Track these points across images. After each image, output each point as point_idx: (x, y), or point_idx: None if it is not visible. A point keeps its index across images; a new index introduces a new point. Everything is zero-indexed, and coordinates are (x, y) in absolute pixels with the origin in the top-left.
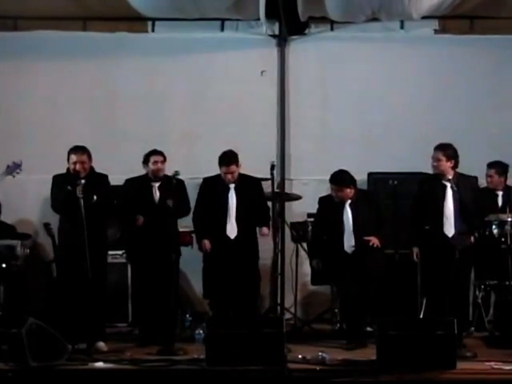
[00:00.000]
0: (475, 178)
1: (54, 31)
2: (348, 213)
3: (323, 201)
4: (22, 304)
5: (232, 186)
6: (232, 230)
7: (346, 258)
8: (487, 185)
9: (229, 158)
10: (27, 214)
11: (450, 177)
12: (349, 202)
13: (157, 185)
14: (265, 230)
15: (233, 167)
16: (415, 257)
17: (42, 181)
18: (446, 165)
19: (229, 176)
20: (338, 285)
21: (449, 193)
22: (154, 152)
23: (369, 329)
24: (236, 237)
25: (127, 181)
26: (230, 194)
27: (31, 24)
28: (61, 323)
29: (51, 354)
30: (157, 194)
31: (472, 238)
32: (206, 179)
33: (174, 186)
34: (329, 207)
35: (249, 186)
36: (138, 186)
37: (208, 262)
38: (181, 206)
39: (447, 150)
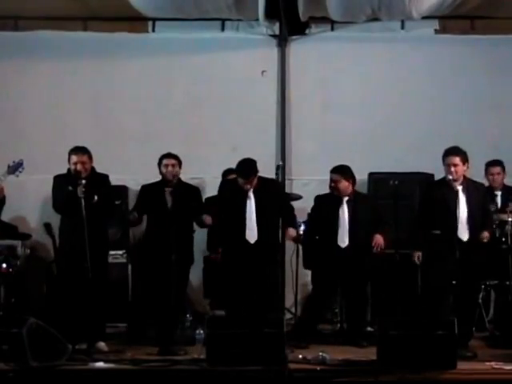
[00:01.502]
0: (483, 185)
1: (55, 31)
2: (345, 209)
3: (320, 199)
4: (22, 304)
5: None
6: (251, 234)
7: (339, 253)
8: (491, 183)
9: (247, 172)
10: (28, 213)
11: (461, 181)
12: (346, 198)
13: (169, 190)
14: (290, 231)
15: (251, 179)
16: (416, 259)
17: (42, 181)
18: (463, 169)
19: (247, 186)
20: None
21: (461, 197)
22: (167, 155)
23: (369, 329)
24: (256, 241)
25: (142, 187)
26: (248, 199)
27: (32, 24)
28: (61, 323)
29: (52, 354)
30: (169, 200)
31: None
32: (223, 182)
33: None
34: (326, 205)
35: (268, 189)
36: (151, 191)
37: (227, 268)
38: (195, 215)
39: (462, 154)
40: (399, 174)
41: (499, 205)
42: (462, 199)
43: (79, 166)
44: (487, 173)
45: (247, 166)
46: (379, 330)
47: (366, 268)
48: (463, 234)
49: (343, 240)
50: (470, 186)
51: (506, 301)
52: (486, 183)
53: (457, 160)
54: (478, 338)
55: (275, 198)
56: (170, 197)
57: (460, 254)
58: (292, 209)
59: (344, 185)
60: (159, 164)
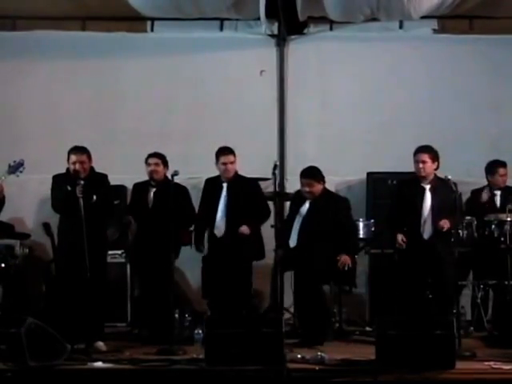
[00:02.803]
0: (454, 184)
1: (53, 31)
2: (305, 208)
3: (293, 199)
4: (21, 304)
5: (225, 185)
6: (219, 228)
7: (289, 252)
8: (495, 183)
9: (224, 149)
10: (27, 213)
11: (430, 179)
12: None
13: (153, 190)
14: (242, 227)
15: (230, 157)
16: (400, 240)
17: (41, 180)
18: (432, 167)
19: (229, 167)
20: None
21: (427, 196)
22: (152, 154)
23: (368, 328)
24: (223, 236)
25: (134, 185)
26: (222, 193)
27: (30, 24)
28: (60, 323)
29: (50, 353)
30: (151, 199)
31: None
32: (206, 180)
33: (171, 186)
34: (296, 202)
35: (244, 186)
36: (139, 189)
37: (204, 261)
38: (184, 213)
39: (432, 152)
40: (398, 174)
41: (498, 204)
42: (428, 198)
43: (78, 166)
44: (493, 172)
45: (224, 147)
46: (378, 330)
47: (316, 268)
48: (425, 232)
49: (293, 239)
50: (440, 185)
51: (504, 300)
52: (486, 182)
53: (425, 157)
54: (476, 337)
55: (249, 195)
56: (152, 197)
57: (422, 252)
58: (260, 210)
59: (318, 187)
60: (146, 163)
